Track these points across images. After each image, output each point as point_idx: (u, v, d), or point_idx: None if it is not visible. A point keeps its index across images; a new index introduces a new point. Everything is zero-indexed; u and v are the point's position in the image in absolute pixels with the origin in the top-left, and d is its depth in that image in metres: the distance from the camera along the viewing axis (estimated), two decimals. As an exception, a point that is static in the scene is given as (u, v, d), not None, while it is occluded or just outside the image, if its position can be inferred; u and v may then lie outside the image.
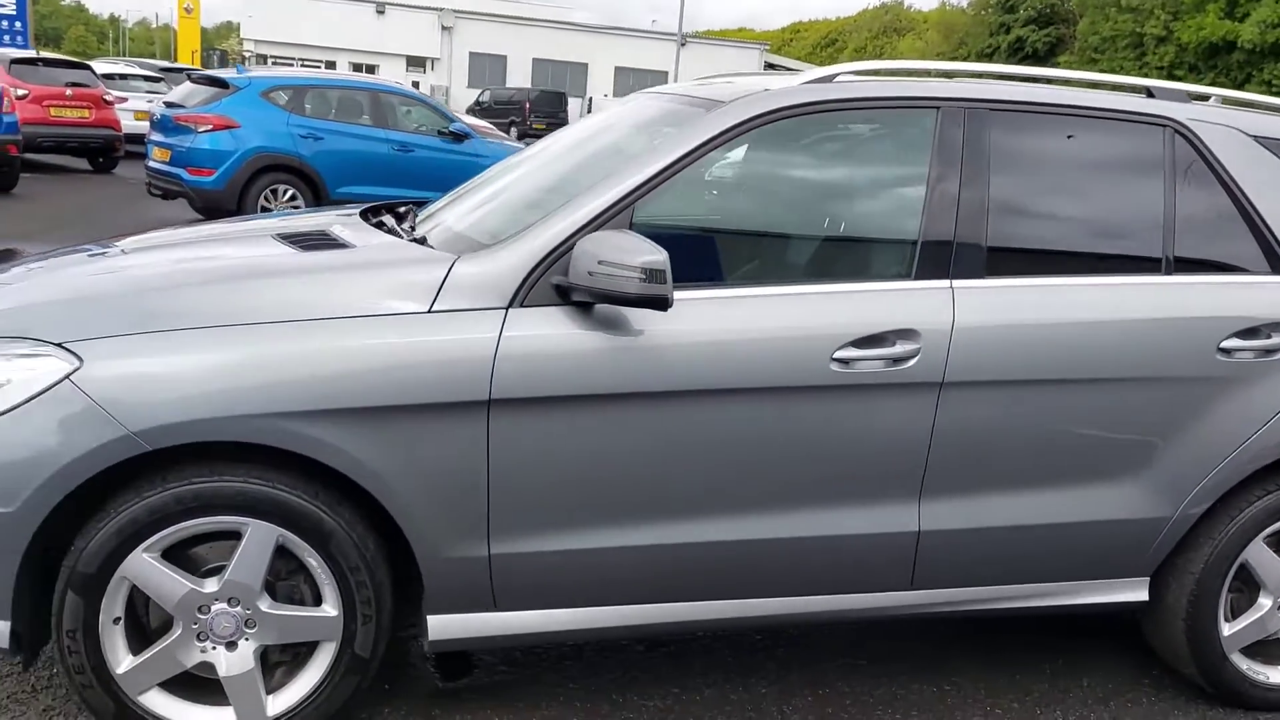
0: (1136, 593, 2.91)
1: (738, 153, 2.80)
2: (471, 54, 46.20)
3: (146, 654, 2.38)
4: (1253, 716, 3.00)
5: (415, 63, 44.48)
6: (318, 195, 10.25)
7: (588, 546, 2.50)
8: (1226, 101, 3.09)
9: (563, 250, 2.43)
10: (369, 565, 2.43)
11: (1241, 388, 2.78)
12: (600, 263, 2.31)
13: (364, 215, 3.20)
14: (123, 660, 2.37)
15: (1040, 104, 2.81)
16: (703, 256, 2.75)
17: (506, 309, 2.40)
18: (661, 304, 2.31)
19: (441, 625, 2.51)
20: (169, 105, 10.66)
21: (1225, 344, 2.76)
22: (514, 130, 28.96)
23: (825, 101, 2.66)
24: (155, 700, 2.41)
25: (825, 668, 3.06)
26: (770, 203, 2.84)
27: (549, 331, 2.40)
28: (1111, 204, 2.86)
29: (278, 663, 2.49)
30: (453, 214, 3.08)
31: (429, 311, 2.38)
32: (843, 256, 2.81)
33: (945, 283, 2.63)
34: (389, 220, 3.13)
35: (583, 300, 2.39)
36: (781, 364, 2.50)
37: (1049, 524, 2.75)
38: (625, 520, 2.51)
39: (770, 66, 51.14)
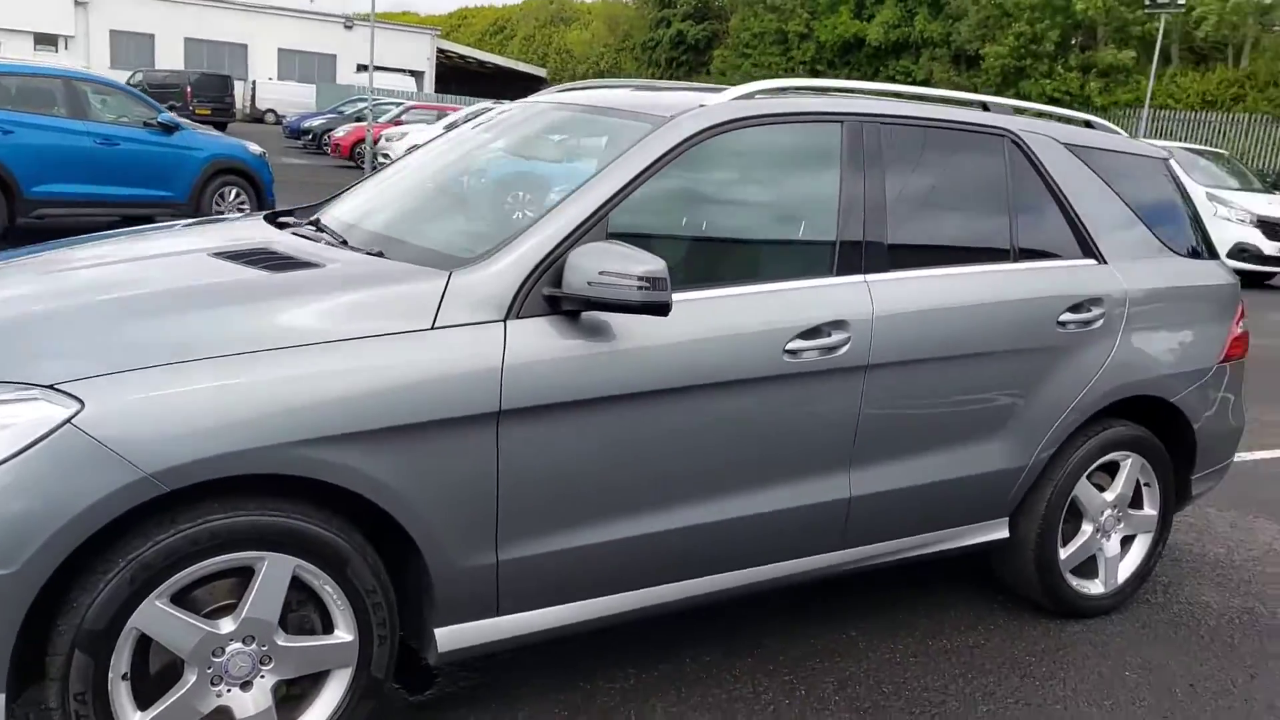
0: (1001, 532, 3.45)
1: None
2: (113, 32, 41.92)
3: (159, 707, 2.23)
4: (1081, 623, 3.65)
5: (45, 40, 39.67)
6: (9, 195, 9.13)
7: (583, 543, 2.63)
8: (1020, 111, 3.68)
9: (550, 262, 2.53)
10: (383, 586, 2.42)
11: (1073, 353, 3.38)
12: (601, 273, 2.44)
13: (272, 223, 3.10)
14: (132, 717, 2.22)
15: (916, 118, 3.24)
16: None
17: (505, 321, 2.47)
18: (663, 310, 2.47)
19: (449, 636, 2.54)
20: None
21: (1062, 318, 3.34)
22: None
23: (756, 116, 2.93)
24: (170, 757, 2.27)
25: (756, 632, 3.36)
26: (713, 211, 3.06)
27: (546, 341, 2.49)
28: (971, 203, 3.37)
29: (286, 696, 2.42)
30: (380, 220, 3.06)
31: (433, 328, 2.40)
32: (778, 258, 3.09)
33: (861, 277, 3.00)
34: (308, 230, 3.04)
35: (573, 309, 2.52)
36: (747, 358, 2.75)
37: (943, 480, 3.21)
38: (616, 514, 2.67)
39: (443, 53, 50.70)
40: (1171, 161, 3.91)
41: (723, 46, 45.64)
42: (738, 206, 3.09)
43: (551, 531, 2.59)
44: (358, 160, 22.99)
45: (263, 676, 2.33)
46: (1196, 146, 17.94)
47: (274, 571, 2.27)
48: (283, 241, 2.89)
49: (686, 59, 46.98)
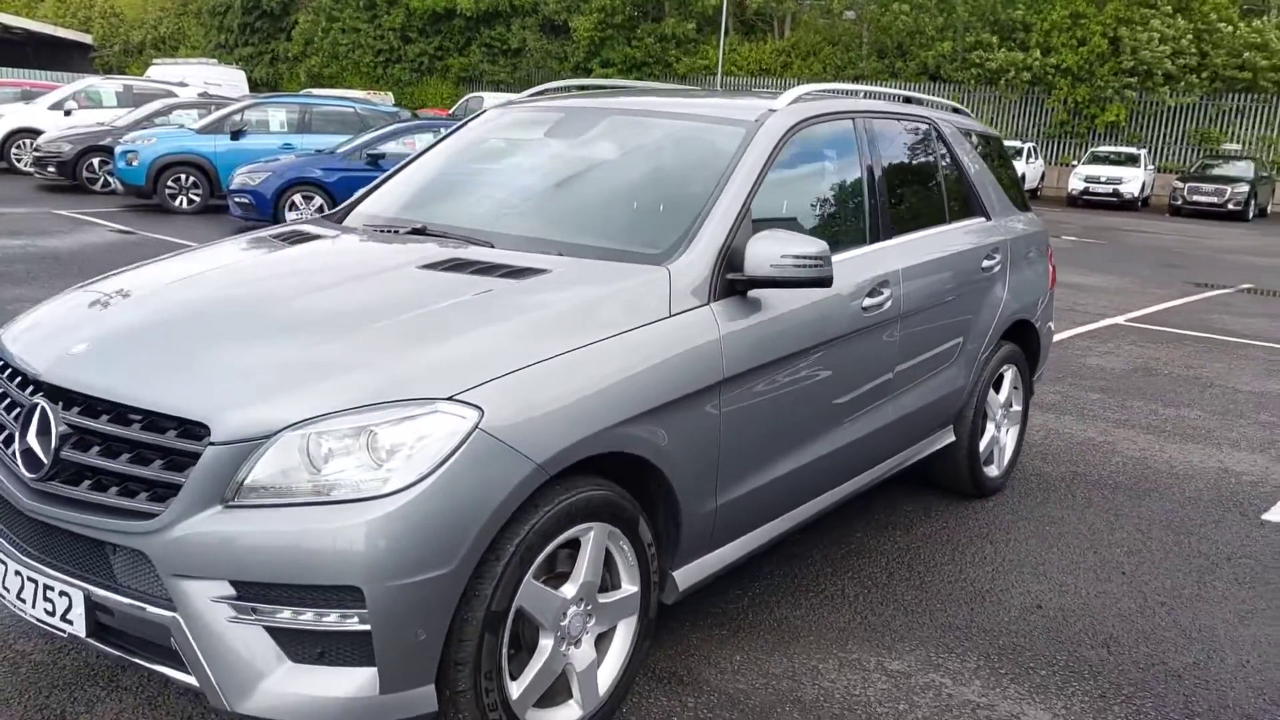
0: (951, 436, 4.38)
1: None
2: None
3: (529, 673, 2.47)
4: (992, 500, 4.70)
5: None
6: None
7: (761, 481, 3.14)
8: (921, 103, 4.59)
9: (725, 250, 2.98)
10: (656, 541, 2.78)
11: (990, 291, 4.37)
12: (783, 256, 2.94)
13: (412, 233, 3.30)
14: (510, 687, 2.43)
15: (887, 112, 4.01)
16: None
17: (710, 304, 2.90)
18: (829, 283, 3.02)
19: (682, 576, 2.95)
20: None
21: (983, 264, 4.31)
22: None
23: (813, 117, 3.54)
24: (533, 718, 2.51)
25: (760, 563, 4.01)
26: (794, 196, 3.58)
27: (735, 318, 2.96)
28: (920, 177, 4.21)
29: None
30: (512, 224, 3.35)
31: (671, 316, 2.79)
32: (842, 231, 3.69)
33: (887, 242, 3.73)
34: (438, 238, 3.21)
35: (745, 289, 2.99)
36: (843, 316, 3.38)
37: (934, 400, 4.06)
38: (780, 455, 3.20)
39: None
40: (1000, 137, 5.05)
41: (303, 12, 43.60)
42: (808, 191, 3.67)
43: (745, 474, 3.06)
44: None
45: (587, 633, 2.62)
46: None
47: (598, 538, 2.57)
48: (466, 251, 3.06)
49: (263, 26, 44.21)
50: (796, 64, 36.60)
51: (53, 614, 2.36)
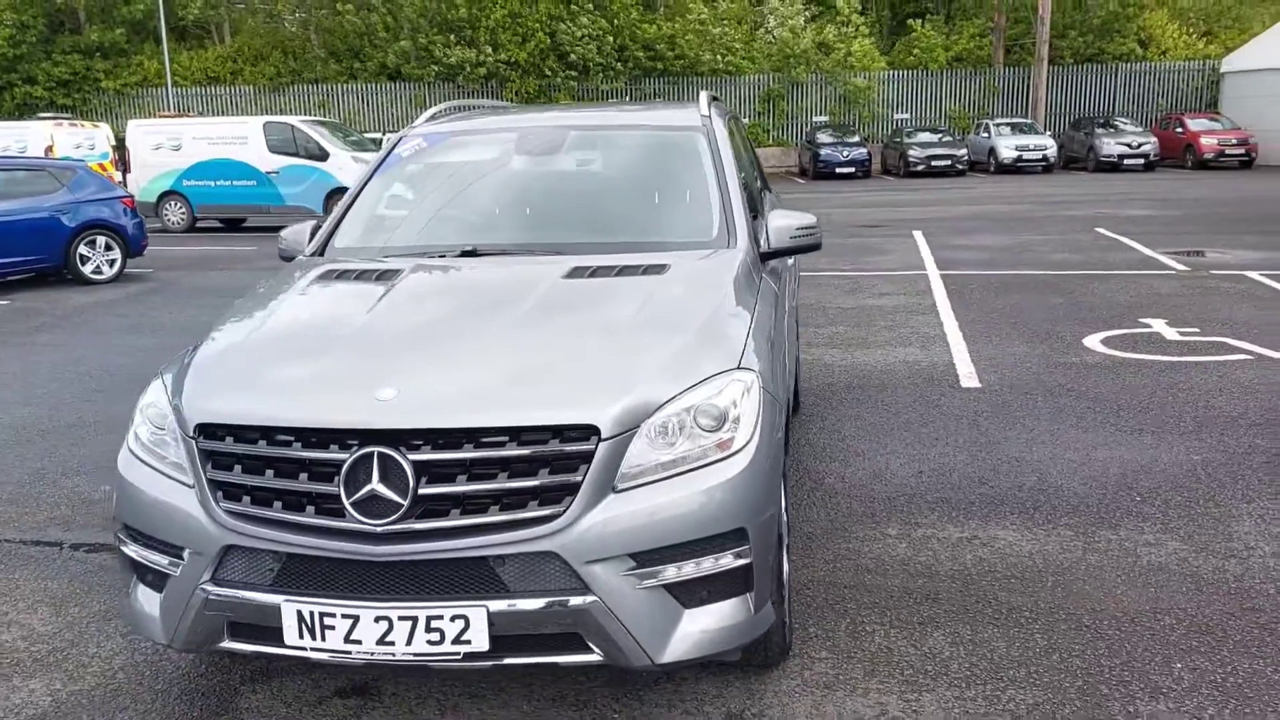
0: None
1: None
2: None
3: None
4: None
5: None
6: None
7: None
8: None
9: (752, 230, 3.71)
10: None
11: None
12: (799, 228, 3.76)
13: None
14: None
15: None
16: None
17: (764, 275, 3.63)
18: (820, 247, 3.88)
19: None
20: None
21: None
22: None
23: (726, 114, 4.33)
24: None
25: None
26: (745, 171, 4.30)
27: (773, 279, 3.73)
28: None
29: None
30: (547, 232, 3.78)
31: (761, 281, 3.48)
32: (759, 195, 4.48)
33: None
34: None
35: (773, 259, 3.77)
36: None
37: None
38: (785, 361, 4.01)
39: None
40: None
41: None
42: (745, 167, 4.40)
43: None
44: None
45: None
46: (311, 118, 20.32)
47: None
48: (564, 261, 3.41)
49: None
50: (247, 70, 35.27)
51: (440, 642, 2.48)
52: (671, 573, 2.57)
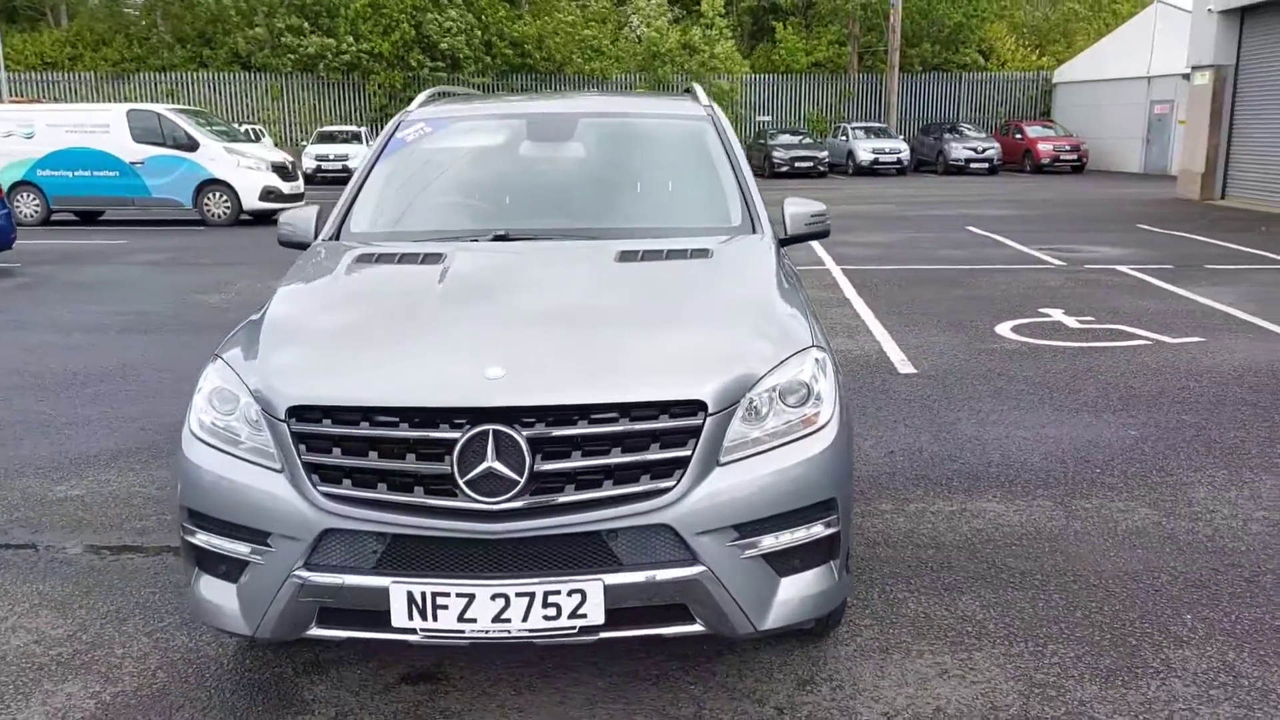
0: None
1: None
2: None
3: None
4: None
5: None
6: None
7: None
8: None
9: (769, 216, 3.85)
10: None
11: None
12: (813, 215, 3.90)
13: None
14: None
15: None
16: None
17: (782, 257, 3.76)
18: (829, 233, 4.03)
19: None
20: None
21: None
22: None
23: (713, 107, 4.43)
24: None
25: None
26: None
27: (788, 263, 3.86)
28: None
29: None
30: (574, 219, 3.75)
31: (783, 268, 3.61)
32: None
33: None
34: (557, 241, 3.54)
35: (789, 244, 3.90)
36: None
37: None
38: None
39: None
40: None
41: None
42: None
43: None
44: None
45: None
46: (179, 106, 19.35)
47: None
48: (606, 245, 3.44)
49: None
50: (87, 55, 33.30)
51: (556, 617, 2.49)
52: (769, 542, 2.65)
